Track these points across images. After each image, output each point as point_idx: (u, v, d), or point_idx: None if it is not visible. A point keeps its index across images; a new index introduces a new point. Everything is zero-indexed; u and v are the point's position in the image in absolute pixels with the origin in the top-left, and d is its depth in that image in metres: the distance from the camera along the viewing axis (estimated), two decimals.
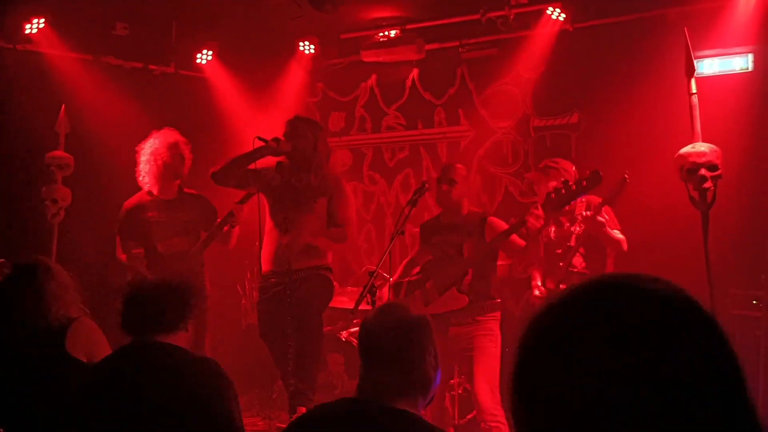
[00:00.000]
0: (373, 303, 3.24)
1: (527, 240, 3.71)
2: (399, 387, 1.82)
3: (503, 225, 3.93)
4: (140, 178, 4.44)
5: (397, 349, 1.84)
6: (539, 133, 5.53)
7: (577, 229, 4.17)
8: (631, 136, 4.89)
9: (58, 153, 4.55)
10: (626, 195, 4.20)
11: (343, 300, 5.05)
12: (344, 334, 4.88)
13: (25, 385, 2.57)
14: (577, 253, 4.20)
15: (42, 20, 4.72)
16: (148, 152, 4.40)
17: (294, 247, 3.92)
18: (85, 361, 2.60)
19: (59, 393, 2.42)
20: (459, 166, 4.10)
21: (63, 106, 4.57)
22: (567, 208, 4.07)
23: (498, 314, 3.96)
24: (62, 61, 5.04)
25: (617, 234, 4.01)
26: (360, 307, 3.68)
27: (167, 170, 4.37)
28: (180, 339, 2.31)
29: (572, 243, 4.19)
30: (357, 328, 4.93)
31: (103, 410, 2.17)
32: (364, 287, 3.23)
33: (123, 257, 4.45)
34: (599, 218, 3.93)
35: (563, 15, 4.96)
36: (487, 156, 5.78)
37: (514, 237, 3.76)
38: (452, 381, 4.30)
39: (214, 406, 2.17)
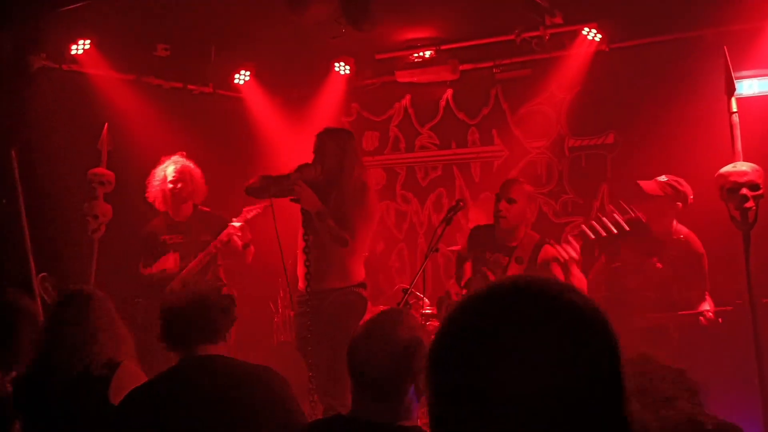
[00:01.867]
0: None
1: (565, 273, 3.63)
2: (390, 409, 1.79)
3: (555, 253, 3.77)
4: (151, 201, 4.74)
5: (385, 378, 1.78)
6: (574, 154, 5.51)
7: (664, 277, 4.09)
8: (668, 157, 4.84)
9: (100, 170, 4.65)
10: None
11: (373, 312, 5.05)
12: None
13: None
14: None
15: (88, 41, 4.85)
16: (159, 177, 4.70)
17: (325, 267, 3.93)
18: None
19: None
20: (523, 182, 3.97)
21: (106, 125, 4.68)
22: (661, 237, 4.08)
23: None
24: (105, 81, 5.17)
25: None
26: None
27: (175, 195, 4.66)
28: (221, 349, 2.34)
29: (650, 293, 4.14)
30: None
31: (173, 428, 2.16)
32: (398, 305, 3.23)
33: (145, 272, 4.70)
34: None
35: (599, 36, 4.96)
36: (521, 176, 5.72)
37: (557, 272, 3.66)
38: None
39: (282, 410, 2.20)
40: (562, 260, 3.61)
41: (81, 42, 4.85)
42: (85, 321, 2.58)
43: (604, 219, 3.62)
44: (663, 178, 4.23)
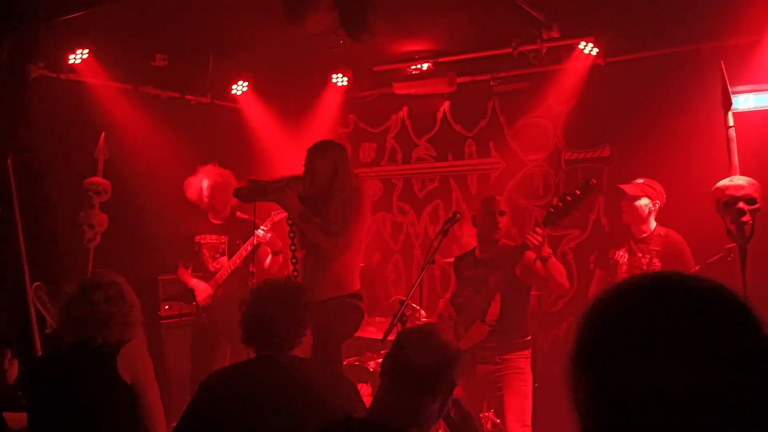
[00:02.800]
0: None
1: (544, 265, 3.71)
2: (414, 413, 1.81)
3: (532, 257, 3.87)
4: (194, 201, 5.10)
5: (430, 374, 1.82)
6: (571, 166, 5.52)
7: (650, 263, 4.17)
8: (664, 170, 4.84)
9: (97, 179, 4.65)
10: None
11: (370, 330, 5.04)
12: (372, 364, 4.85)
13: (77, 400, 2.57)
14: None
15: (86, 51, 4.86)
16: (195, 187, 5.06)
17: (319, 277, 3.91)
18: (129, 383, 2.59)
19: (106, 411, 2.43)
20: (500, 198, 4.17)
21: (103, 134, 4.68)
22: (644, 235, 4.25)
23: (528, 352, 3.92)
24: (103, 90, 5.18)
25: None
26: (390, 338, 3.67)
27: (210, 201, 5.01)
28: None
29: None
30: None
31: (244, 421, 2.21)
32: (394, 316, 3.21)
33: (179, 273, 5.09)
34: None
35: (596, 49, 4.99)
36: (518, 188, 5.77)
37: (537, 264, 3.74)
38: (481, 415, 4.25)
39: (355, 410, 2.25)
40: (545, 255, 3.67)
41: (79, 51, 4.85)
42: (110, 302, 2.71)
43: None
44: (640, 180, 4.35)
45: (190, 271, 5.06)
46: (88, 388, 2.54)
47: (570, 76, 5.26)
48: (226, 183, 4.99)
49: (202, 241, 5.10)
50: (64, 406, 2.54)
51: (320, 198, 3.82)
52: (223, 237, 5.09)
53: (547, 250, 3.71)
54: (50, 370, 2.63)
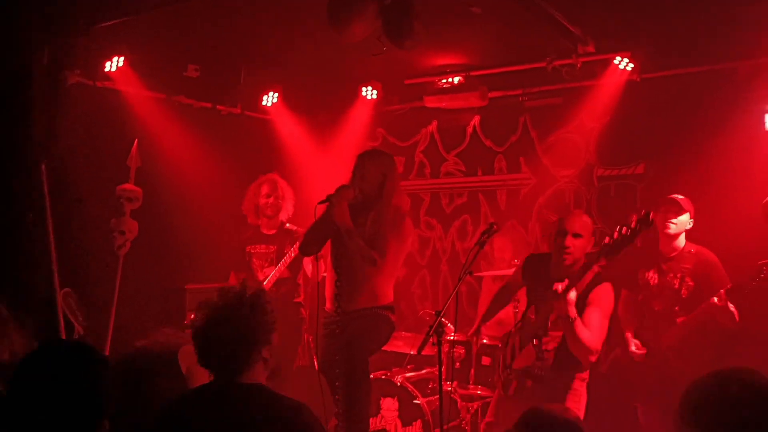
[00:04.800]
0: (439, 344, 3.15)
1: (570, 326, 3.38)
2: None
3: (606, 294, 3.54)
4: (245, 213, 5.25)
5: None
6: (603, 183, 5.45)
7: (683, 283, 4.10)
8: (700, 188, 4.77)
9: (129, 186, 4.66)
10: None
11: (398, 344, 4.98)
12: (398, 378, 4.79)
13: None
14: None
15: (122, 59, 4.90)
16: (253, 192, 5.22)
17: (354, 288, 3.87)
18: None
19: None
20: (584, 214, 3.81)
21: (136, 141, 4.70)
22: (674, 254, 4.18)
23: (585, 374, 3.63)
24: (137, 99, 5.21)
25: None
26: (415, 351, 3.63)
27: (266, 209, 5.16)
28: (259, 371, 2.26)
29: (677, 308, 4.15)
30: (412, 373, 4.88)
31: None
32: (430, 327, 3.15)
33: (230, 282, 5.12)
34: (731, 308, 3.83)
35: (631, 65, 4.93)
36: (548, 204, 5.71)
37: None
38: None
39: None
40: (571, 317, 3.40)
41: (115, 59, 4.89)
42: None
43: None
44: (680, 196, 4.27)
45: (233, 276, 5.17)
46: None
47: (604, 92, 5.21)
48: (285, 191, 5.19)
49: (253, 251, 5.21)
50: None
51: (366, 207, 3.80)
52: (272, 246, 5.18)
53: (572, 312, 3.33)
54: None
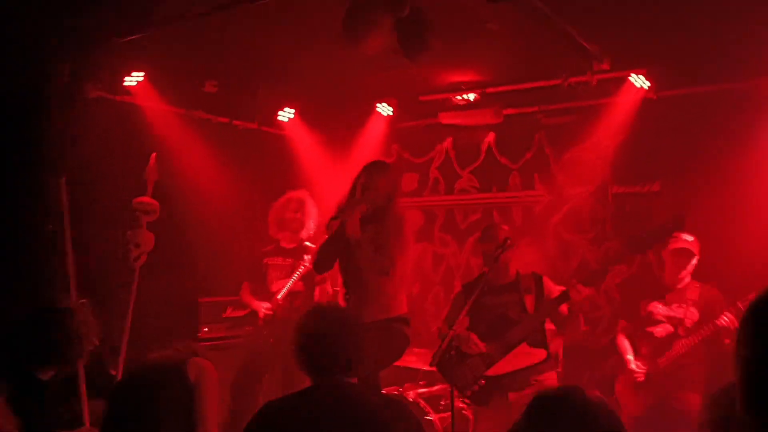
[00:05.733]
0: (453, 356, 3.14)
1: (570, 312, 3.75)
2: None
3: (555, 286, 3.95)
4: (269, 226, 5.26)
5: None
6: (618, 201, 5.43)
7: (687, 313, 4.09)
8: (717, 207, 4.74)
9: (145, 199, 4.68)
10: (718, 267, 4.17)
11: (410, 359, 4.96)
12: (411, 394, 4.76)
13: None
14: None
15: (142, 73, 4.97)
16: (279, 205, 5.25)
17: (366, 300, 3.87)
18: None
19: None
20: (505, 228, 4.16)
21: (153, 155, 4.74)
22: (680, 286, 4.23)
23: (554, 373, 3.93)
24: (155, 113, 5.28)
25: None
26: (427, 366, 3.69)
27: (289, 222, 5.18)
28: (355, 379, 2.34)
29: (680, 332, 4.19)
30: (425, 389, 4.86)
31: None
32: (443, 338, 3.14)
33: (241, 293, 5.21)
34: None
35: (647, 83, 4.92)
36: (563, 222, 5.69)
37: (562, 306, 3.78)
38: None
39: None
40: (575, 300, 3.61)
41: (135, 74, 4.96)
42: None
43: None
44: (690, 237, 4.30)
45: (247, 287, 5.21)
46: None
47: (620, 110, 5.20)
48: (310, 208, 5.24)
49: (270, 263, 5.23)
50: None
51: (372, 218, 3.81)
52: (288, 260, 5.19)
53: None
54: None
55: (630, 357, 4.38)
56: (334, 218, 3.79)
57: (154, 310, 4.85)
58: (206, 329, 5.38)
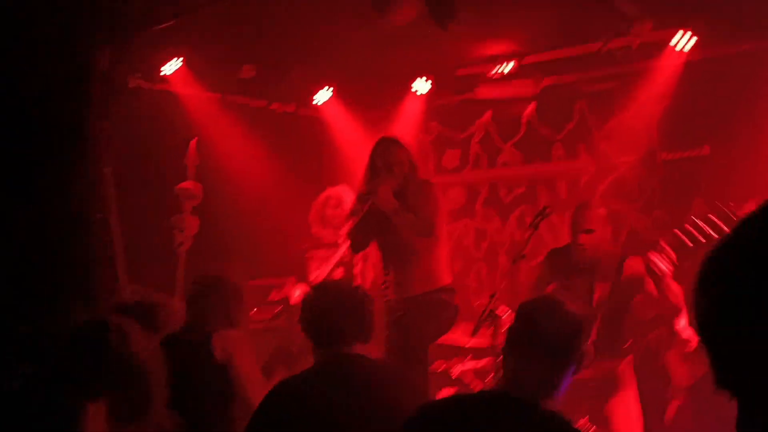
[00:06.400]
0: (495, 327, 3.10)
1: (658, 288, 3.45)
2: (545, 383, 1.80)
3: (642, 268, 3.58)
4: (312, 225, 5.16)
5: (560, 344, 1.81)
6: (667, 167, 5.26)
7: None
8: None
9: (187, 184, 4.77)
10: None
11: (453, 337, 4.92)
12: (456, 371, 4.73)
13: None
14: None
15: (180, 60, 5.01)
16: (321, 202, 5.14)
17: (403, 275, 3.86)
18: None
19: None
20: (597, 206, 3.86)
21: (194, 140, 4.81)
22: None
23: (629, 359, 3.72)
24: (193, 100, 5.34)
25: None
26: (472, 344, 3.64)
27: (327, 220, 5.08)
28: (366, 350, 2.32)
29: None
30: (469, 366, 4.81)
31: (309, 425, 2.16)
32: (483, 311, 3.10)
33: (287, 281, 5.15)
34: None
35: (692, 43, 4.73)
36: (610, 192, 5.55)
37: (650, 286, 3.51)
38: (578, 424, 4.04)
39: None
40: (658, 273, 3.40)
41: (174, 60, 5.01)
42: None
43: (701, 223, 3.38)
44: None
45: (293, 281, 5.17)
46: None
47: (663, 73, 5.02)
48: (344, 200, 5.10)
49: (312, 256, 5.17)
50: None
51: (404, 187, 3.80)
52: (330, 251, 5.10)
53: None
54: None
55: (682, 320, 4.19)
56: (364, 196, 3.78)
57: None
58: (255, 311, 5.44)
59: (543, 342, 1.80)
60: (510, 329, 1.89)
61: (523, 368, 1.80)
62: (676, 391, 4.27)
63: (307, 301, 2.39)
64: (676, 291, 3.48)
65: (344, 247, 4.97)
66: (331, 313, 2.28)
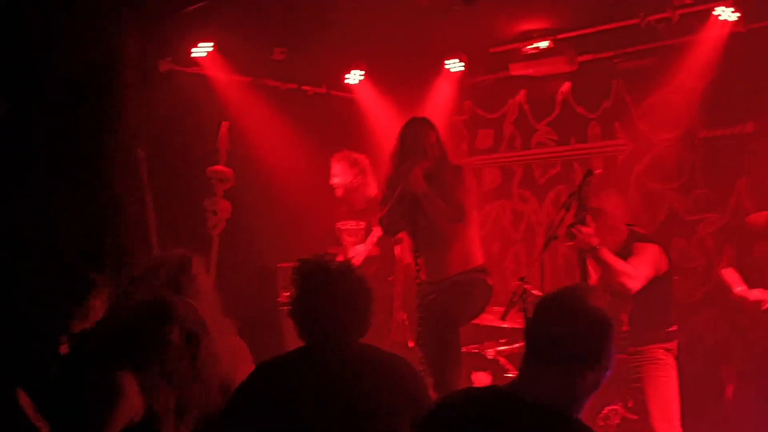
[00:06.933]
0: (525, 311, 3.05)
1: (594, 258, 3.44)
2: (565, 388, 1.61)
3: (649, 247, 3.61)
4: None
5: (576, 344, 1.60)
6: (708, 145, 5.09)
7: None
8: None
9: (219, 167, 4.79)
10: None
11: (488, 318, 4.87)
12: (491, 352, 4.68)
13: None
14: None
15: (211, 44, 5.01)
16: (336, 173, 5.01)
17: (436, 257, 3.82)
18: None
19: None
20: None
21: (225, 124, 4.82)
22: None
23: (670, 344, 3.62)
24: (224, 83, 5.35)
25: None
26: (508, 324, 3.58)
27: (343, 186, 4.98)
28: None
29: None
30: (505, 347, 4.76)
31: (303, 410, 2.10)
32: (513, 293, 3.04)
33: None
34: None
35: (735, 14, 4.55)
36: (648, 171, 5.40)
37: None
38: (608, 408, 3.97)
39: (414, 404, 2.10)
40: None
41: (203, 44, 5.01)
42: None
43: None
44: None
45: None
46: None
47: (705, 47, 4.84)
48: (357, 166, 5.03)
49: (343, 227, 5.13)
50: None
51: (435, 172, 3.75)
52: (362, 223, 5.09)
53: (594, 240, 3.41)
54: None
55: (741, 289, 4.04)
56: (393, 178, 3.73)
57: (234, 276, 4.96)
58: (287, 294, 5.45)
59: (559, 345, 1.60)
60: (526, 328, 1.69)
61: (536, 371, 1.63)
62: (729, 373, 4.16)
63: (294, 291, 2.29)
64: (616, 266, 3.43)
65: (379, 231, 4.95)
66: (320, 303, 2.17)
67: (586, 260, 3.67)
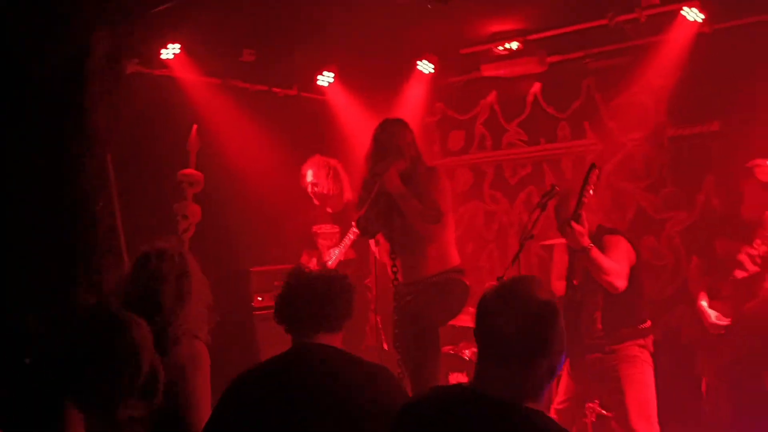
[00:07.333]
0: None
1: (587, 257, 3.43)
2: (519, 383, 1.62)
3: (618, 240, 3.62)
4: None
5: (523, 338, 1.61)
6: (675, 144, 5.17)
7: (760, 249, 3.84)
8: None
9: (189, 171, 4.71)
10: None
11: (465, 319, 4.88)
12: (467, 353, 4.69)
13: None
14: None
15: (178, 45, 4.94)
16: (309, 177, 5.05)
17: (413, 258, 3.80)
18: None
19: None
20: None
21: (195, 126, 4.75)
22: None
23: (643, 341, 3.64)
24: (193, 85, 5.27)
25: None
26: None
27: (316, 194, 5.04)
28: (337, 340, 2.24)
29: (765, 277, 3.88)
30: None
31: (271, 417, 2.08)
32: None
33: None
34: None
35: (701, 15, 4.63)
36: (617, 170, 5.47)
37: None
38: (587, 405, 4.00)
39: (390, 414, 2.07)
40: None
41: (171, 46, 4.94)
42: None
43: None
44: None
45: (314, 262, 5.10)
46: None
47: (672, 47, 4.92)
48: (332, 171, 5.05)
49: (319, 231, 5.14)
50: None
51: (411, 169, 3.74)
52: (336, 227, 5.09)
53: (586, 241, 3.39)
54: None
55: (703, 304, 4.12)
56: (369, 180, 3.71)
57: (207, 281, 4.88)
58: (260, 298, 5.40)
59: (500, 340, 1.60)
60: (475, 329, 1.69)
61: (489, 368, 1.63)
62: (704, 367, 4.22)
63: (282, 289, 2.31)
64: (607, 266, 3.43)
65: (355, 233, 4.92)
66: (299, 300, 2.20)
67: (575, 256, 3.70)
